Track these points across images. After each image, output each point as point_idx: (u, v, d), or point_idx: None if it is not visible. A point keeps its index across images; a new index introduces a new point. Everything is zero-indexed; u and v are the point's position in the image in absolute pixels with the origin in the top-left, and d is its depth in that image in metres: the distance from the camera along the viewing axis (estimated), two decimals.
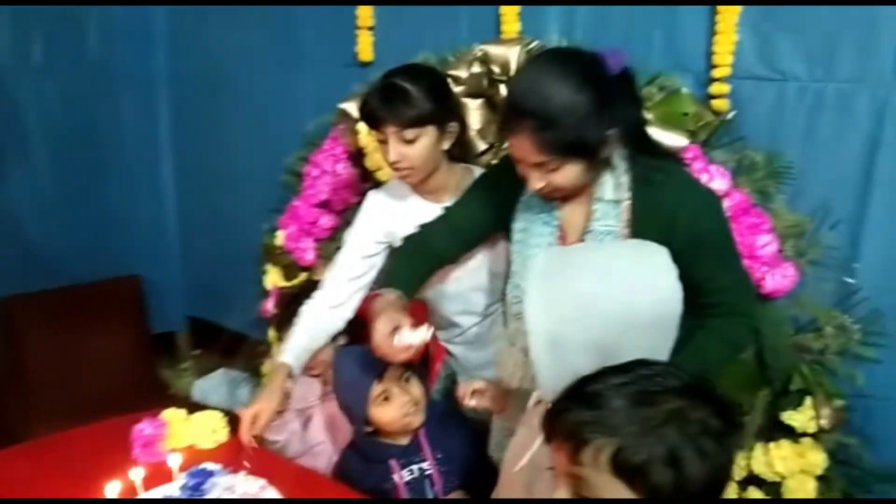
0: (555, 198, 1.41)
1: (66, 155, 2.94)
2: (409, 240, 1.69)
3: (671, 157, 1.59)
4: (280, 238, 2.45)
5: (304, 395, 1.99)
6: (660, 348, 1.16)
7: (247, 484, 1.48)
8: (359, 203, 1.91)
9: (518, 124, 1.29)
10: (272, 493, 1.47)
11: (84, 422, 1.79)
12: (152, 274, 3.16)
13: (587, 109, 1.25)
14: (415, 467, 1.68)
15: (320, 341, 1.79)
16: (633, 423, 0.86)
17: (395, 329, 1.42)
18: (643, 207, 1.35)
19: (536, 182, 1.35)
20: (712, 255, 1.36)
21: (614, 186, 1.37)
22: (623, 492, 0.86)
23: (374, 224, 1.80)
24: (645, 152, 1.37)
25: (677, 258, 1.19)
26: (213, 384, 3.03)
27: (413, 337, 1.42)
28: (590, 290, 1.15)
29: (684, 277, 1.18)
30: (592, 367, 0.96)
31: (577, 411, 0.90)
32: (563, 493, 0.92)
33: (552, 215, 1.44)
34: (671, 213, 1.33)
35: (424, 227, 1.67)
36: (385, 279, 1.67)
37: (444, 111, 1.65)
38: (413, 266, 1.63)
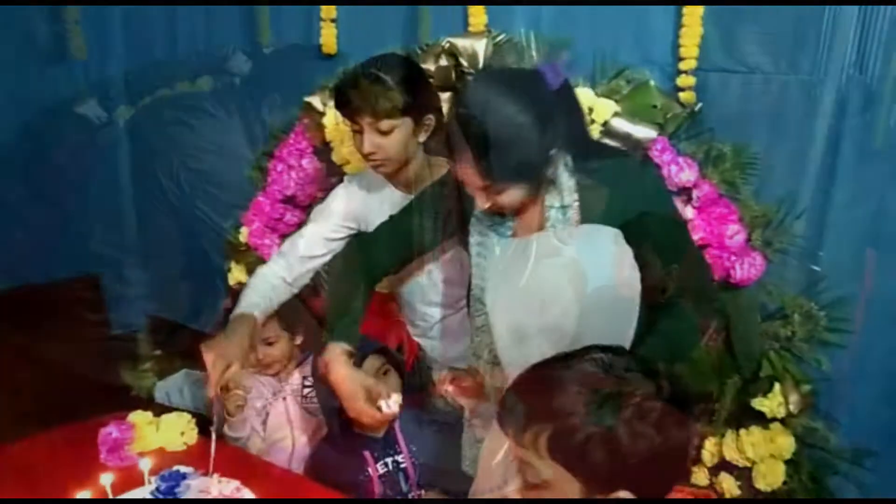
0: (504, 213, 1.41)
1: (20, 151, 2.85)
2: (349, 259, 1.67)
3: (616, 153, 1.60)
4: (244, 235, 2.41)
5: (261, 392, 1.99)
6: (621, 330, 1.18)
7: (221, 486, 1.44)
8: (324, 198, 1.88)
9: (461, 151, 1.28)
10: (247, 494, 1.43)
11: (42, 427, 1.73)
12: (111, 273, 3.06)
13: (529, 134, 1.23)
14: (389, 460, 1.68)
15: (274, 308, 1.76)
16: (570, 407, 0.88)
17: (367, 395, 1.48)
18: (592, 207, 1.35)
19: (484, 203, 1.34)
20: (666, 242, 1.36)
21: (561, 192, 1.36)
22: (563, 475, 0.89)
23: (344, 208, 1.79)
24: (588, 157, 1.36)
25: (631, 247, 1.22)
26: (175, 385, 2.96)
27: (394, 405, 1.50)
28: (546, 277, 1.15)
29: (641, 267, 1.21)
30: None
31: (520, 397, 0.93)
32: (514, 479, 0.94)
33: (506, 226, 1.43)
34: (620, 209, 1.33)
35: (368, 240, 1.63)
36: (329, 316, 1.58)
37: (421, 103, 1.63)
38: (353, 299, 1.57)
